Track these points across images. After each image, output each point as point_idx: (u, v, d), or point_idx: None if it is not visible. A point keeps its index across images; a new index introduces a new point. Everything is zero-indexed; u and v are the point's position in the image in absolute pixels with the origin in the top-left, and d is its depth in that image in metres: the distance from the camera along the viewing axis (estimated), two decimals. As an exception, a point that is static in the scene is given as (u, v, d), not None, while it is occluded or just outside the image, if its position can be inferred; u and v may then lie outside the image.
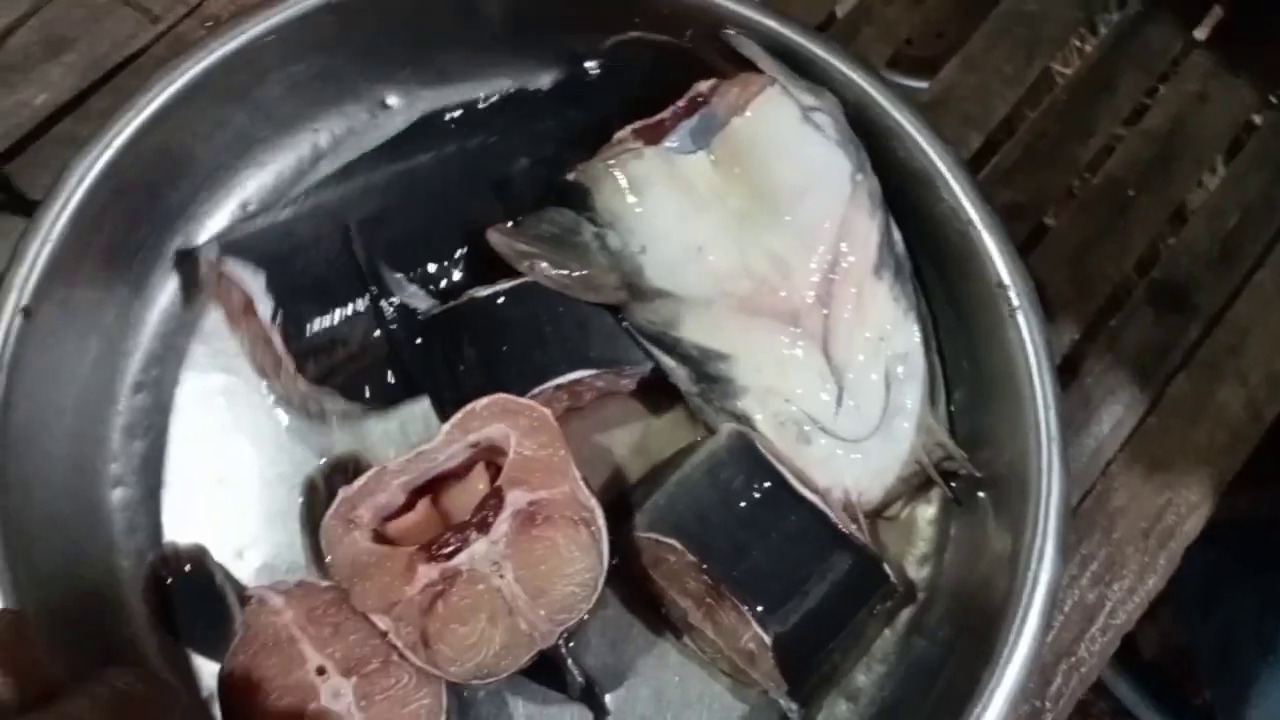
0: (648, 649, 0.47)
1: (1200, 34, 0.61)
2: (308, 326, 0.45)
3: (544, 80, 0.55)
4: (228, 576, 0.45)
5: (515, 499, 0.41)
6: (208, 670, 0.44)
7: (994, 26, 0.61)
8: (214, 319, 0.50)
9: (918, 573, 0.48)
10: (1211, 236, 0.57)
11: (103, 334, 0.47)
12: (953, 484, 0.48)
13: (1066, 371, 0.54)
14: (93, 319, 0.46)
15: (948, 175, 0.46)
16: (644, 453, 0.49)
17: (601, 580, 0.41)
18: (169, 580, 0.45)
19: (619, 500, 0.47)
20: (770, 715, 0.46)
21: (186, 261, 0.49)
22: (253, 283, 0.45)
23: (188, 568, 0.45)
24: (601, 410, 0.50)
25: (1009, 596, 0.41)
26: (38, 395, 0.44)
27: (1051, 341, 0.44)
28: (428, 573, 0.40)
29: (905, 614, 0.48)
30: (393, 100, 0.54)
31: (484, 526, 0.41)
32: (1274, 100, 0.60)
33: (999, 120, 0.58)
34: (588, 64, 0.54)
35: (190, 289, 0.49)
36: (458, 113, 0.53)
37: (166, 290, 0.49)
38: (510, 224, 0.48)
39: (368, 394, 0.48)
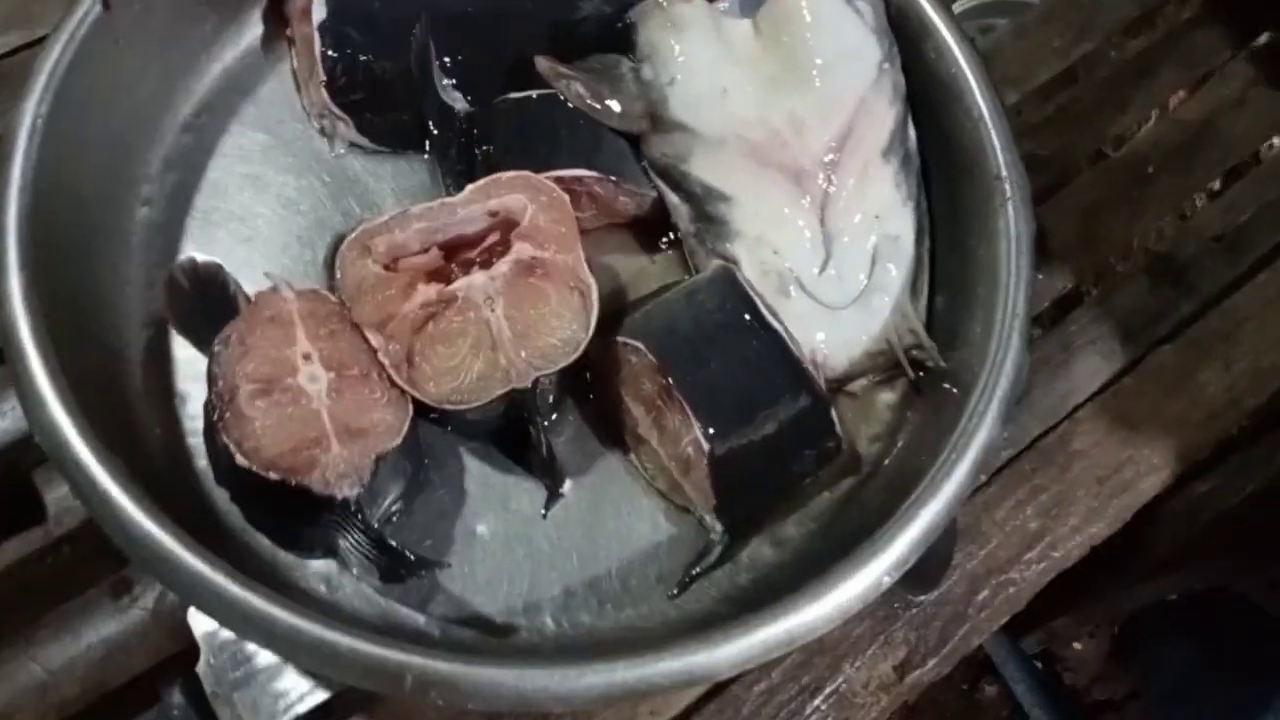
0: (597, 457, 0.48)
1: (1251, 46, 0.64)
2: (347, 50, 0.49)
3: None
4: (240, 288, 0.47)
5: (521, 249, 0.44)
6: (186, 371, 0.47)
7: (1051, 7, 0.64)
8: (269, 85, 0.54)
9: (867, 449, 0.50)
10: (1222, 226, 0.59)
11: (166, 64, 0.51)
12: (919, 373, 0.50)
13: (1056, 316, 0.56)
14: (164, 43, 0.50)
15: (970, 75, 0.49)
16: (636, 287, 0.52)
17: (583, 345, 0.44)
18: (184, 282, 0.47)
19: (605, 318, 0.49)
20: (694, 543, 0.47)
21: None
22: (319, -9, 0.48)
23: (203, 274, 0.48)
24: (604, 240, 0.52)
25: (941, 449, 0.43)
26: (94, 94, 0.47)
27: (1033, 234, 0.46)
28: (426, 292, 0.43)
29: (847, 483, 0.49)
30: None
31: (487, 265, 0.44)
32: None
33: (1037, 85, 0.61)
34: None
35: (271, 18, 0.53)
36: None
37: (243, 40, 0.53)
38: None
39: (377, 133, 0.51)
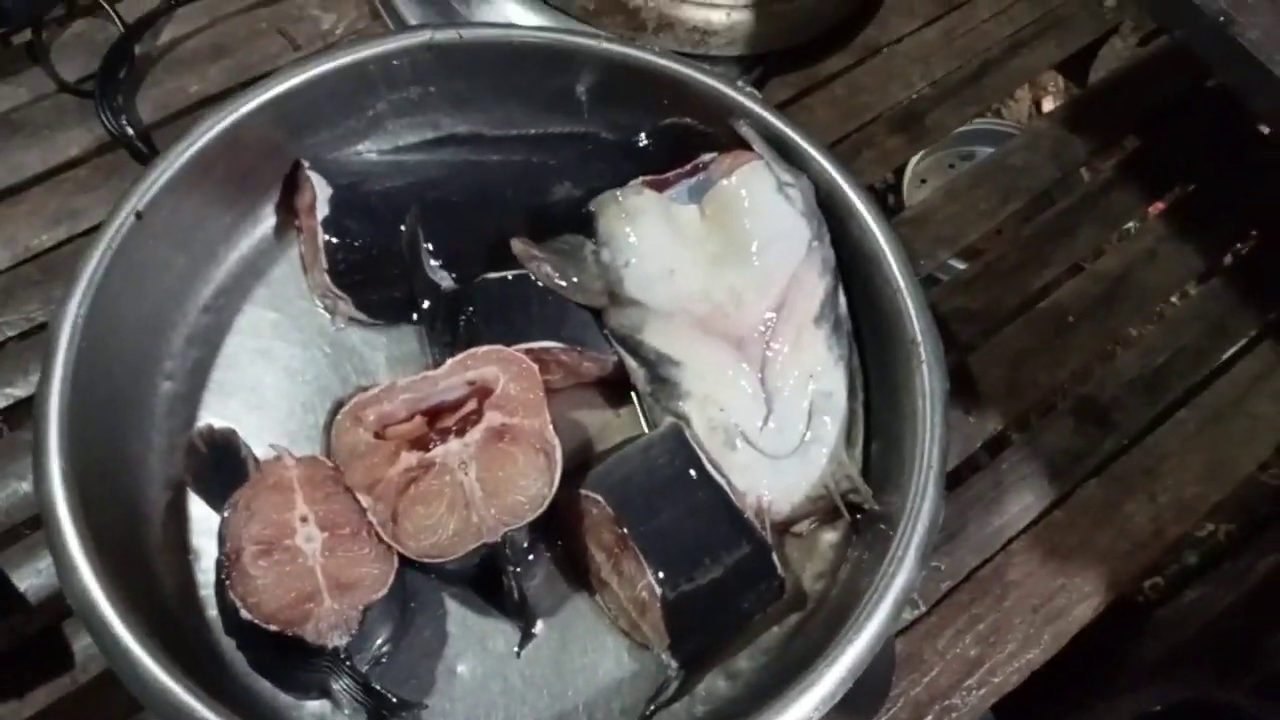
0: (566, 599, 0.54)
1: (1159, 205, 0.71)
2: (347, 239, 0.57)
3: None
4: (250, 453, 0.54)
5: (491, 418, 0.50)
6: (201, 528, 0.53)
7: (979, 170, 0.71)
8: (280, 269, 0.61)
9: (812, 586, 0.55)
10: (1141, 369, 0.64)
11: (190, 257, 0.58)
12: (857, 515, 0.55)
13: (986, 457, 0.61)
14: (188, 239, 0.57)
15: (888, 251, 0.56)
16: (602, 439, 0.58)
17: (548, 500, 0.49)
18: (202, 447, 0.54)
19: (574, 470, 0.55)
20: (654, 678, 0.52)
21: (292, 177, 0.60)
22: (321, 190, 0.56)
23: (218, 440, 0.54)
24: (572, 398, 0.59)
25: (865, 589, 0.48)
26: (127, 288, 0.54)
27: (947, 393, 0.52)
28: (408, 459, 0.49)
29: (794, 617, 0.54)
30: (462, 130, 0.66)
31: (461, 432, 0.50)
32: (1215, 271, 0.68)
33: (966, 244, 0.68)
34: (640, 133, 0.66)
35: (284, 207, 0.61)
36: (533, 131, 0.64)
37: (257, 231, 0.60)
38: (531, 238, 0.59)
39: (373, 308, 0.59)
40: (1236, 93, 0.47)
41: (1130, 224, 0.70)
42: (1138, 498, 0.61)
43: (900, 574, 0.48)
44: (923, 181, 0.95)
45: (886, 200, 0.89)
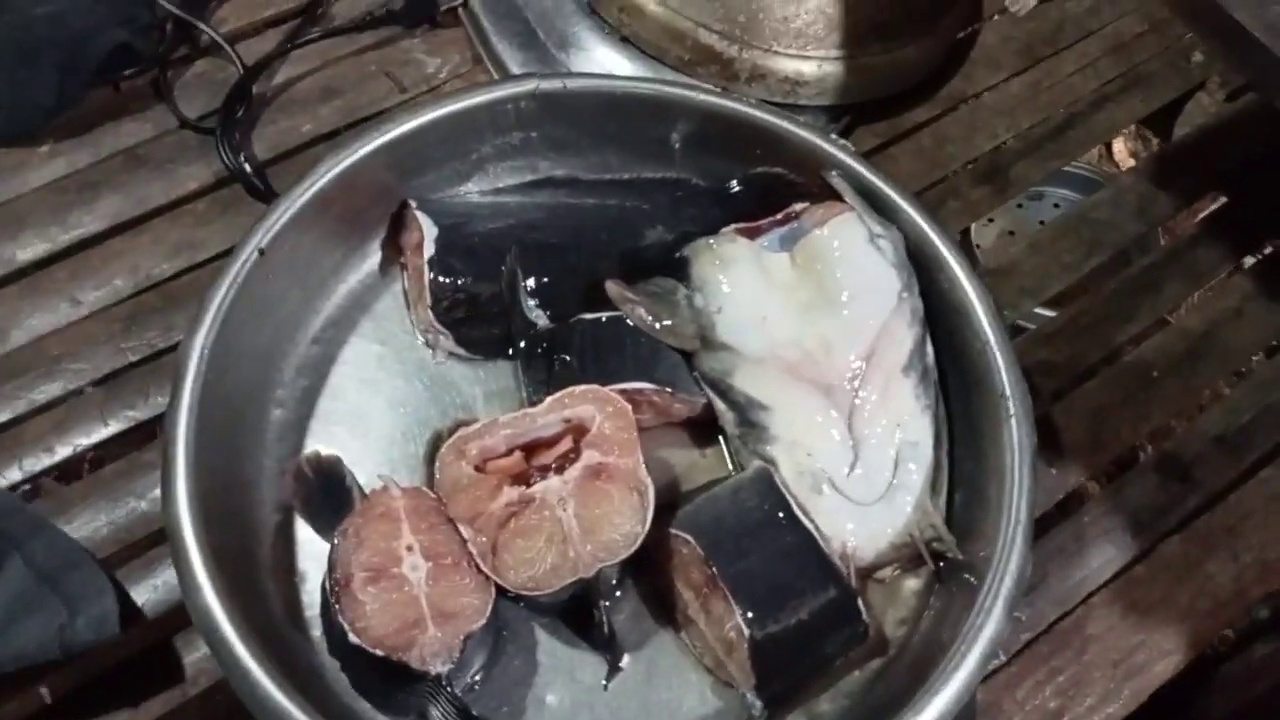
0: (652, 634, 0.55)
1: (1248, 262, 0.71)
2: (451, 277, 0.59)
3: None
4: (355, 480, 0.56)
5: (589, 456, 0.52)
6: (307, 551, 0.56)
7: (1064, 223, 0.72)
8: (384, 303, 0.64)
9: (894, 632, 0.55)
10: (1225, 427, 0.64)
11: (304, 290, 0.61)
12: (940, 563, 0.56)
13: (1065, 512, 0.61)
14: (303, 274, 0.61)
15: (977, 305, 0.57)
16: (688, 479, 0.59)
17: (641, 538, 0.51)
18: (309, 474, 0.57)
19: (661, 508, 0.57)
20: (737, 716, 0.53)
21: (399, 216, 0.63)
22: (428, 230, 0.59)
23: (325, 466, 0.57)
24: (660, 437, 0.60)
25: (955, 639, 0.49)
26: (247, 320, 0.57)
27: (1034, 446, 0.53)
28: (509, 494, 0.51)
29: (875, 663, 0.55)
30: (559, 173, 0.68)
31: (560, 470, 0.52)
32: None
33: (1051, 295, 0.69)
34: (732, 181, 0.68)
35: (390, 245, 0.64)
36: (627, 175, 0.67)
37: (364, 267, 0.63)
38: (624, 280, 0.61)
39: (472, 344, 0.62)
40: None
41: (1215, 280, 0.70)
42: (1220, 556, 0.61)
43: (988, 625, 0.49)
44: (990, 220, 0.96)
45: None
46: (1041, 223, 0.93)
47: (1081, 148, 0.76)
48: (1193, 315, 0.68)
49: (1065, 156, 0.75)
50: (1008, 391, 0.54)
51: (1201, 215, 0.71)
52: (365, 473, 0.58)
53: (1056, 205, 0.96)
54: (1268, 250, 0.71)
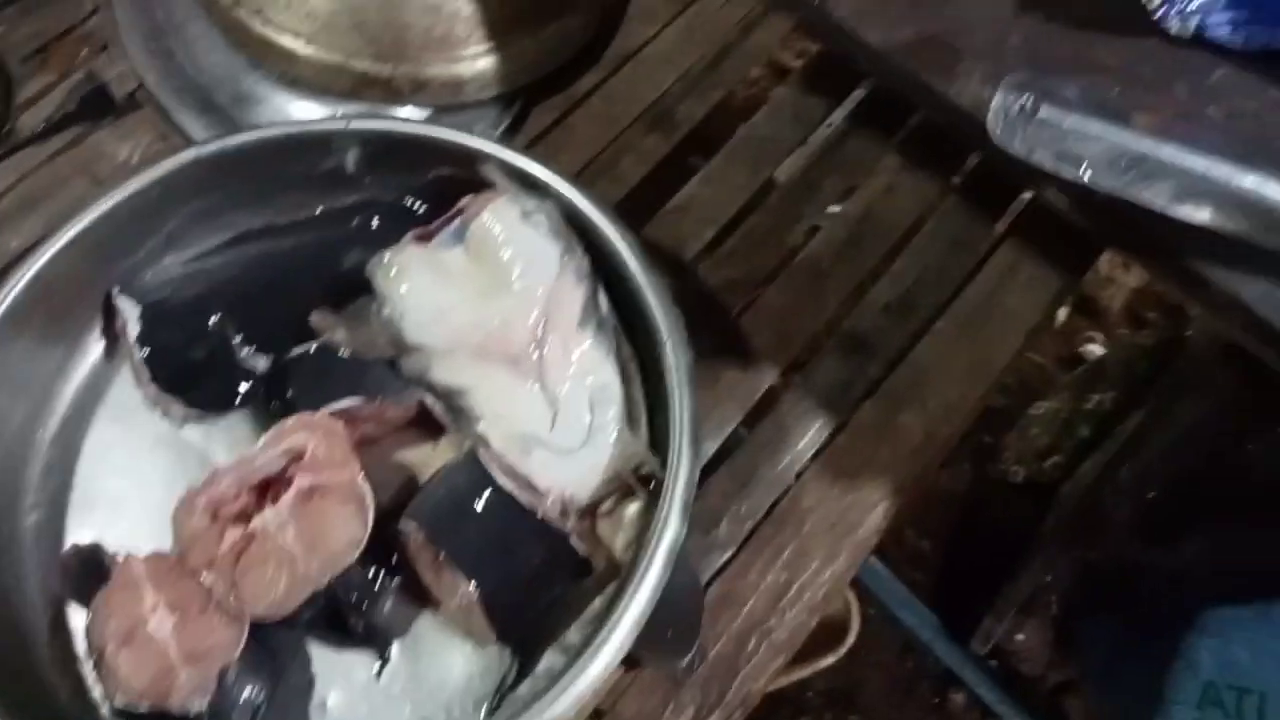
0: (413, 619, 0.60)
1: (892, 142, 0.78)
2: (160, 347, 0.64)
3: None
4: (114, 560, 0.60)
5: (301, 481, 0.57)
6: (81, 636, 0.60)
7: (731, 149, 0.79)
8: (117, 388, 0.68)
9: (623, 555, 0.62)
10: (891, 295, 0.72)
11: (30, 398, 0.65)
12: (650, 485, 0.62)
13: (765, 407, 0.68)
14: (24, 385, 0.64)
15: (625, 251, 0.63)
16: (426, 471, 0.64)
17: (363, 542, 0.56)
18: (73, 567, 0.60)
19: (403, 504, 0.62)
20: (500, 669, 0.59)
21: (106, 306, 0.67)
22: (131, 311, 0.64)
23: (86, 556, 0.61)
24: (395, 441, 0.65)
25: (645, 549, 0.55)
26: (-24, 441, 0.61)
27: (691, 364, 0.59)
28: (233, 534, 0.56)
29: (611, 586, 0.61)
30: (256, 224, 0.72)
31: (275, 499, 0.57)
32: (953, 184, 0.76)
33: (728, 218, 0.75)
34: (409, 195, 0.73)
35: (107, 333, 0.67)
36: (323, 208, 0.71)
37: (88, 360, 0.67)
38: (332, 308, 0.66)
39: (203, 403, 0.66)
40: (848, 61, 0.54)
41: (867, 165, 0.77)
42: (910, 409, 0.68)
43: (668, 530, 0.55)
44: None
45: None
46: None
47: (736, 75, 0.82)
48: (852, 203, 0.75)
49: (722, 87, 0.81)
50: (659, 321, 0.61)
51: (848, 111, 0.78)
52: (131, 549, 0.62)
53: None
54: (913, 124, 0.79)
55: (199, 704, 0.53)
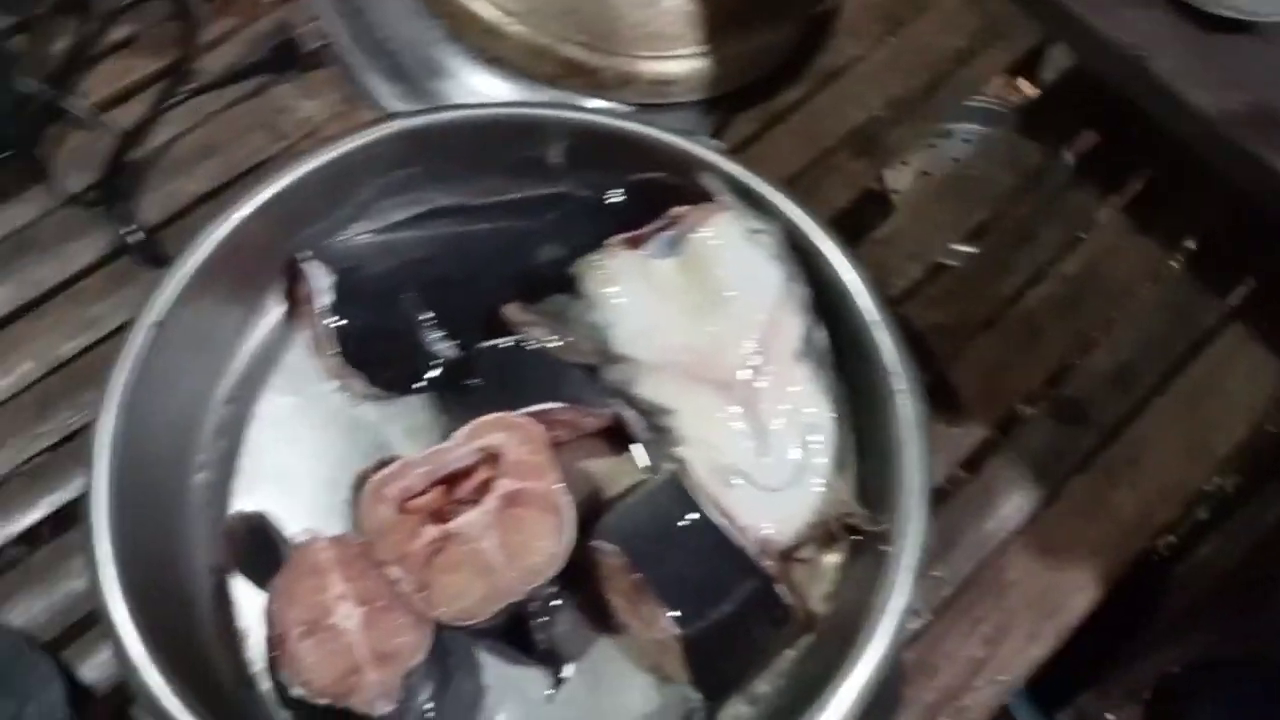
0: (592, 643, 0.57)
1: (1119, 199, 0.74)
2: (350, 321, 0.61)
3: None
4: (281, 535, 0.58)
5: (504, 485, 0.54)
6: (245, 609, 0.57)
7: (941, 185, 0.75)
8: (292, 354, 0.65)
9: (820, 607, 0.58)
10: (1113, 363, 0.68)
11: (209, 355, 0.62)
12: (855, 536, 0.58)
13: (971, 466, 0.64)
14: (204, 340, 0.61)
15: (857, 286, 0.59)
16: (612, 483, 0.61)
17: (562, 557, 0.53)
18: (237, 534, 0.58)
19: (588, 518, 0.58)
20: (680, 709, 0.55)
21: (292, 269, 0.64)
22: (323, 279, 0.61)
23: (253, 524, 0.58)
24: (580, 449, 0.62)
25: (870, 610, 0.51)
26: (154, 393, 0.58)
27: (925, 416, 0.55)
28: (430, 532, 0.53)
29: (805, 640, 0.57)
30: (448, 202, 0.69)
31: (477, 503, 0.54)
32: (1176, 259, 0.72)
33: (935, 259, 0.71)
34: (615, 191, 0.69)
35: (290, 298, 0.65)
36: (514, 196, 0.68)
37: (266, 323, 0.64)
38: (522, 301, 0.63)
39: (385, 383, 0.63)
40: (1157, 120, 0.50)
41: (1091, 221, 0.73)
42: (1122, 488, 0.64)
43: (896, 595, 0.51)
44: (904, 163, 0.98)
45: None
46: (955, 159, 0.95)
47: (950, 106, 0.78)
48: (1072, 260, 0.71)
49: (934, 119, 0.77)
50: (893, 368, 0.57)
51: (1072, 159, 0.74)
52: (297, 524, 0.59)
53: (966, 140, 0.97)
54: (1140, 185, 0.74)
55: (384, 708, 0.50)
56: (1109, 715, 1.37)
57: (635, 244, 0.63)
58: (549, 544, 0.53)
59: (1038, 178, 0.74)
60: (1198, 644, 1.22)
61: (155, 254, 0.70)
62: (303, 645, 0.51)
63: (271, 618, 0.52)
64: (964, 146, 0.99)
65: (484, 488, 0.55)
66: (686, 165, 0.64)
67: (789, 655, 0.57)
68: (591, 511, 0.60)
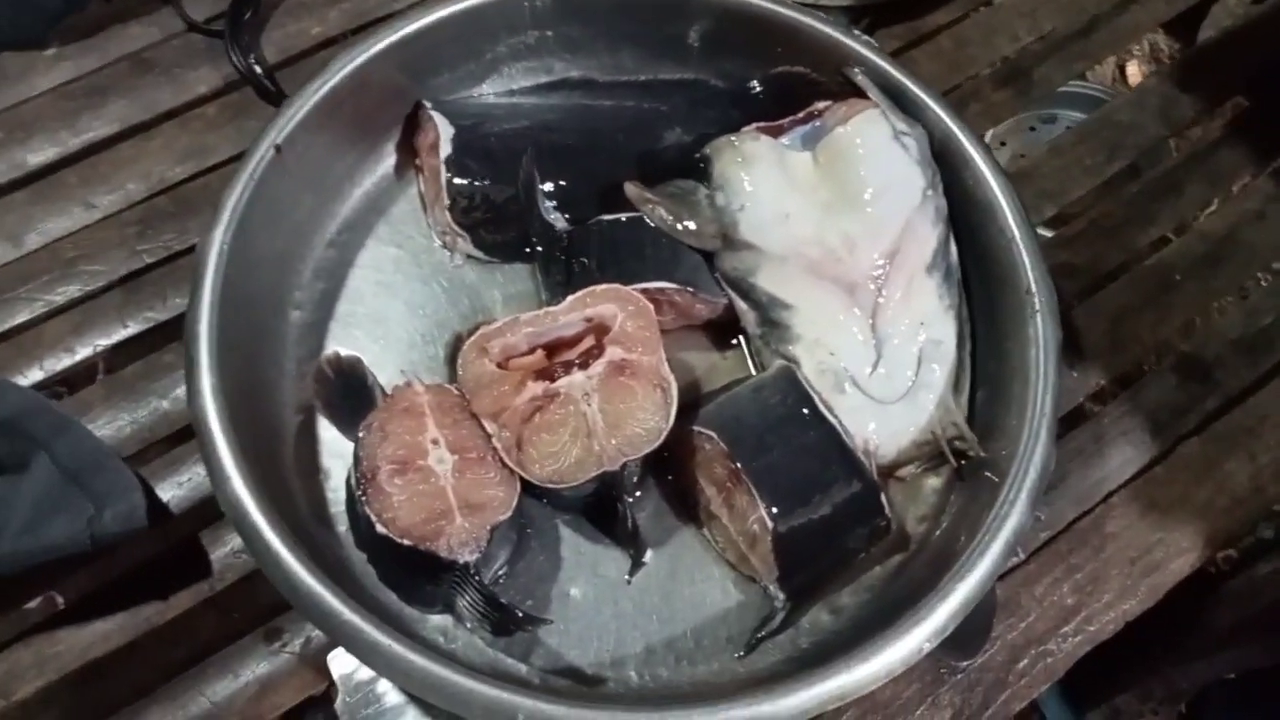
0: (674, 530, 0.55)
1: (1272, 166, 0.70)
2: (468, 179, 0.59)
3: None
4: (376, 380, 0.56)
5: (613, 352, 0.52)
6: (329, 450, 0.56)
7: (1086, 127, 0.71)
8: (400, 206, 0.63)
9: (915, 528, 0.56)
10: (1245, 328, 0.64)
11: (319, 193, 0.61)
12: (961, 461, 0.56)
13: (1089, 410, 0.62)
14: (317, 176, 0.60)
15: (1003, 201, 0.56)
16: (709, 380, 0.59)
17: (665, 434, 0.51)
18: (330, 374, 0.56)
19: (682, 408, 0.56)
20: (760, 609, 0.54)
21: (413, 118, 0.62)
22: (444, 130, 0.59)
23: (346, 367, 0.56)
24: (682, 339, 0.60)
25: (977, 531, 0.49)
26: (264, 221, 0.56)
27: (1060, 342, 0.52)
28: (534, 389, 0.51)
29: (896, 558, 0.55)
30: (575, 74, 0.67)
31: (584, 365, 0.52)
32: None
33: (1072, 199, 0.68)
34: (752, 81, 0.66)
35: (406, 148, 0.63)
36: (644, 77, 0.66)
37: (379, 169, 0.63)
38: (642, 182, 0.60)
39: (490, 247, 0.61)
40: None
41: (1237, 184, 0.69)
42: (1238, 456, 0.61)
43: (1011, 518, 0.49)
44: (1002, 144, 0.94)
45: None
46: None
47: (1105, 49, 0.74)
48: (1214, 219, 0.68)
49: (1088, 59, 0.73)
50: (1033, 287, 0.54)
51: (1224, 120, 0.70)
52: (385, 374, 0.58)
53: (1069, 128, 0.94)
54: (1291, 154, 0.71)
55: (467, 555, 0.48)
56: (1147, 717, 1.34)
57: (774, 133, 0.61)
58: (653, 418, 0.52)
59: (1187, 132, 0.70)
60: (1244, 659, 1.19)
61: (274, 90, 0.68)
62: (393, 482, 0.49)
63: (363, 452, 0.51)
64: (1066, 135, 0.95)
65: (590, 355, 0.53)
66: (836, 59, 0.61)
67: (877, 572, 0.55)
68: (688, 402, 0.58)
